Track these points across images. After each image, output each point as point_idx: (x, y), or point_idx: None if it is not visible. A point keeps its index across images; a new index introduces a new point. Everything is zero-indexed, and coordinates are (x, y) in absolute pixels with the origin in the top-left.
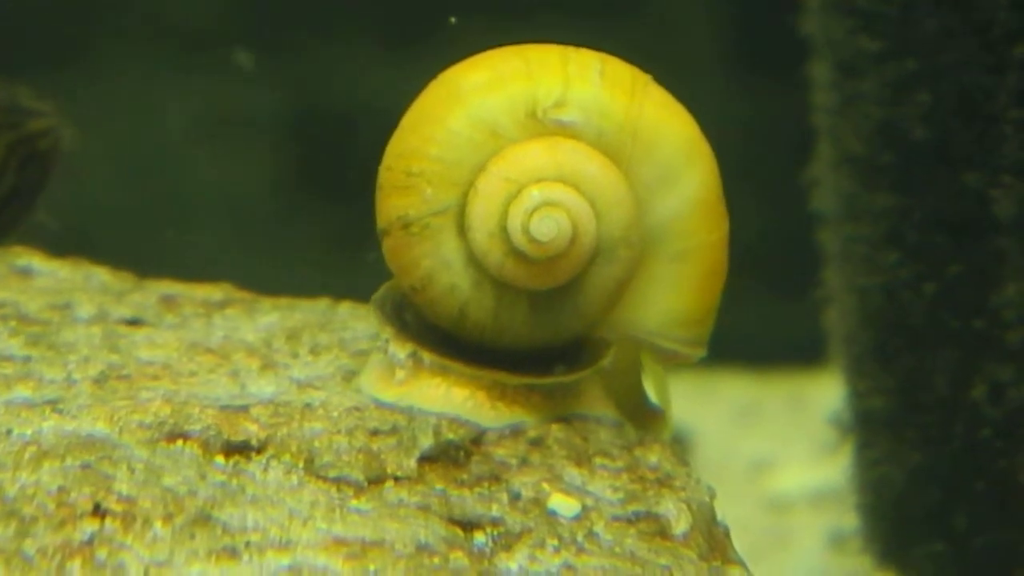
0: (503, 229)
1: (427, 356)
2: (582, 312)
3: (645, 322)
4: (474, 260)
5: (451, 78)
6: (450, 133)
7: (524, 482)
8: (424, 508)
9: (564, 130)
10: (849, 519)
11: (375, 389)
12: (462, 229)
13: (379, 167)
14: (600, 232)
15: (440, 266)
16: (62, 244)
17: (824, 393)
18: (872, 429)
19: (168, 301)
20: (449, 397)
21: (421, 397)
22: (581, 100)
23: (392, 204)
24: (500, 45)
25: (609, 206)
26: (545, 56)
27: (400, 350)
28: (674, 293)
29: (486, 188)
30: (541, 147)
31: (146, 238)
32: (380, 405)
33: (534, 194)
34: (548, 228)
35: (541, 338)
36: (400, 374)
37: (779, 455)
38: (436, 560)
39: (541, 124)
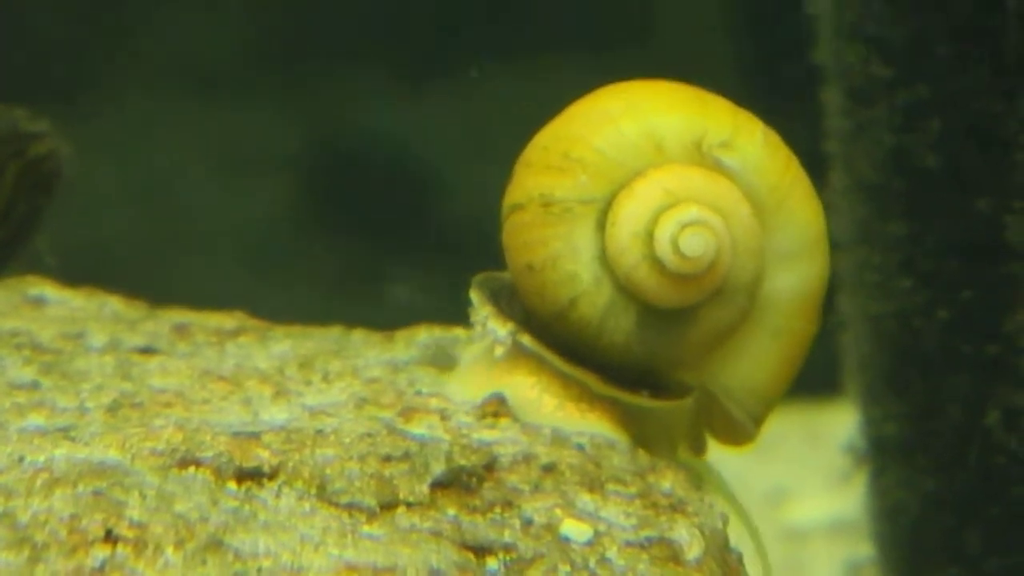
0: (649, 234)
1: (526, 339)
2: (682, 344)
3: (726, 379)
4: (604, 257)
5: (631, 88)
6: (619, 133)
7: (536, 508)
8: (436, 533)
9: (721, 170)
10: (865, 548)
11: (467, 380)
12: (601, 225)
13: (528, 145)
14: (732, 272)
15: (568, 252)
16: (75, 273)
17: (839, 423)
18: (886, 456)
19: (181, 329)
20: (540, 403)
21: (515, 394)
22: (744, 150)
23: (538, 181)
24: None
25: (747, 252)
26: (718, 100)
27: (500, 327)
28: (759, 363)
29: (643, 191)
30: (702, 174)
31: (160, 268)
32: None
33: (693, 210)
34: (697, 244)
35: (634, 354)
36: (499, 351)
37: (795, 485)
38: None
39: (703, 157)
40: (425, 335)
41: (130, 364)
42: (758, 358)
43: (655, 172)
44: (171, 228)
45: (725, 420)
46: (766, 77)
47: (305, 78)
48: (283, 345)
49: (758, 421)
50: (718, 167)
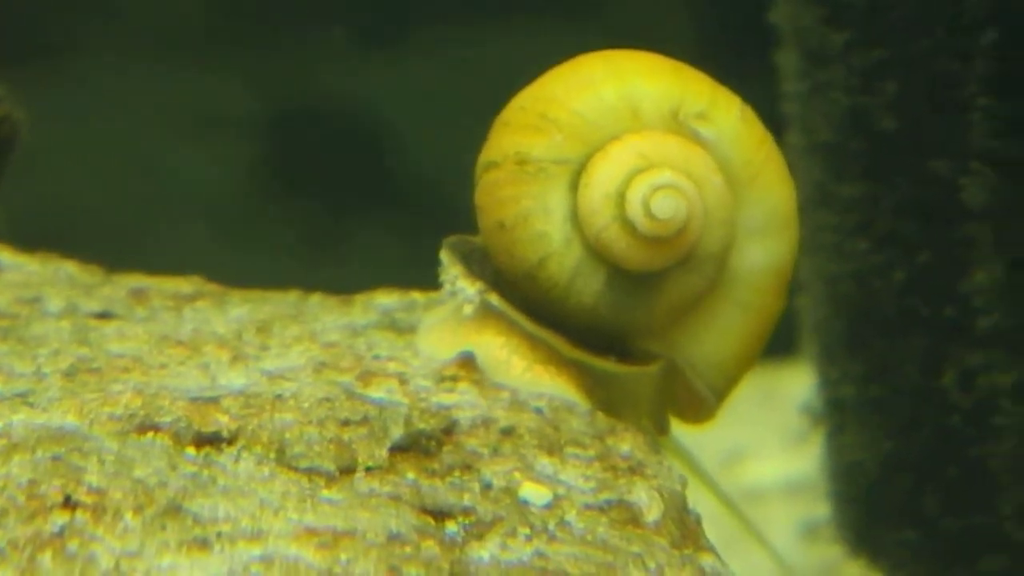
0: (621, 195)
1: (495, 299)
2: (649, 310)
3: (691, 350)
4: (575, 218)
5: (612, 55)
6: (598, 97)
7: (496, 471)
8: (395, 498)
9: (697, 140)
10: (821, 508)
11: (435, 339)
12: (575, 186)
13: (507, 105)
14: (702, 239)
15: (539, 210)
16: (31, 238)
17: (795, 384)
18: (843, 417)
19: (138, 294)
20: (510, 364)
21: (484, 353)
22: (720, 122)
23: (514, 139)
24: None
25: (717, 221)
26: (698, 73)
27: (469, 286)
28: (725, 337)
29: (618, 154)
30: (677, 141)
31: (123, 233)
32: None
33: (667, 174)
34: (668, 207)
35: (601, 317)
36: (468, 309)
37: (751, 446)
38: (408, 549)
39: (679, 126)
40: (383, 299)
41: (87, 329)
42: (724, 331)
43: (631, 136)
44: (130, 192)
45: (688, 394)
46: (723, 38)
47: (267, 40)
48: (241, 310)
49: (720, 395)
50: (694, 137)
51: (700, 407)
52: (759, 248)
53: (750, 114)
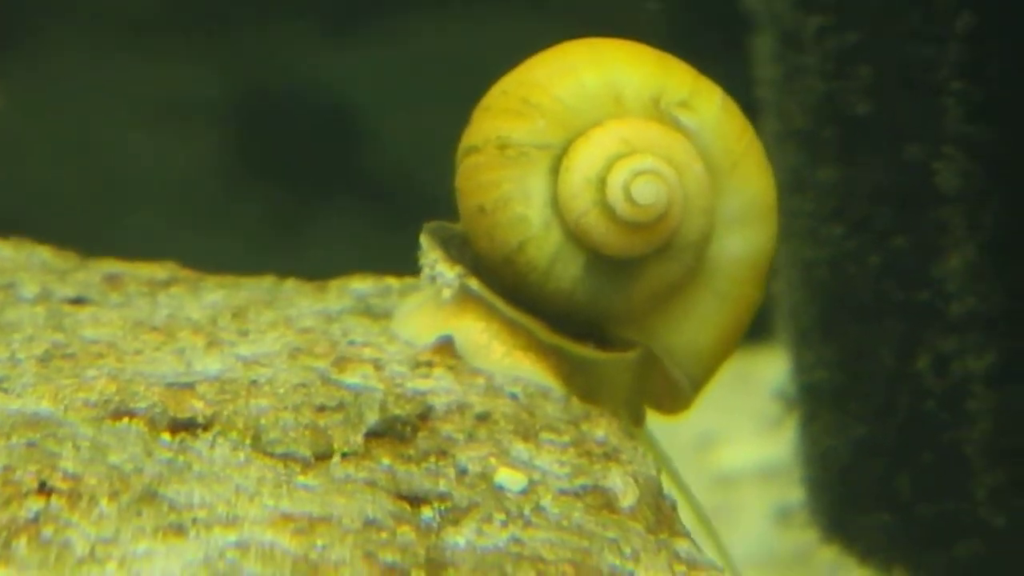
0: (602, 180)
1: (474, 283)
2: (628, 297)
3: (669, 339)
4: (556, 202)
5: (595, 43)
6: (580, 83)
7: (471, 457)
8: (371, 483)
9: (678, 128)
10: (795, 493)
11: (415, 323)
12: (555, 171)
13: (489, 91)
14: (681, 226)
15: (520, 194)
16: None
17: (769, 368)
18: (817, 402)
19: (112, 280)
20: (490, 349)
21: (464, 337)
22: (702, 112)
23: (495, 124)
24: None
25: (698, 209)
26: (680, 63)
27: (449, 270)
28: (703, 326)
29: (599, 139)
30: (659, 128)
31: (90, 219)
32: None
33: (648, 160)
34: (649, 192)
35: (579, 303)
36: (447, 293)
37: (725, 430)
38: (384, 535)
39: (661, 114)
40: (358, 284)
41: (62, 315)
42: (702, 321)
43: (613, 122)
44: (98, 178)
45: (664, 384)
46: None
47: (232, 25)
48: (215, 295)
49: (697, 385)
50: (675, 125)
51: (676, 396)
52: (738, 238)
53: (731, 104)
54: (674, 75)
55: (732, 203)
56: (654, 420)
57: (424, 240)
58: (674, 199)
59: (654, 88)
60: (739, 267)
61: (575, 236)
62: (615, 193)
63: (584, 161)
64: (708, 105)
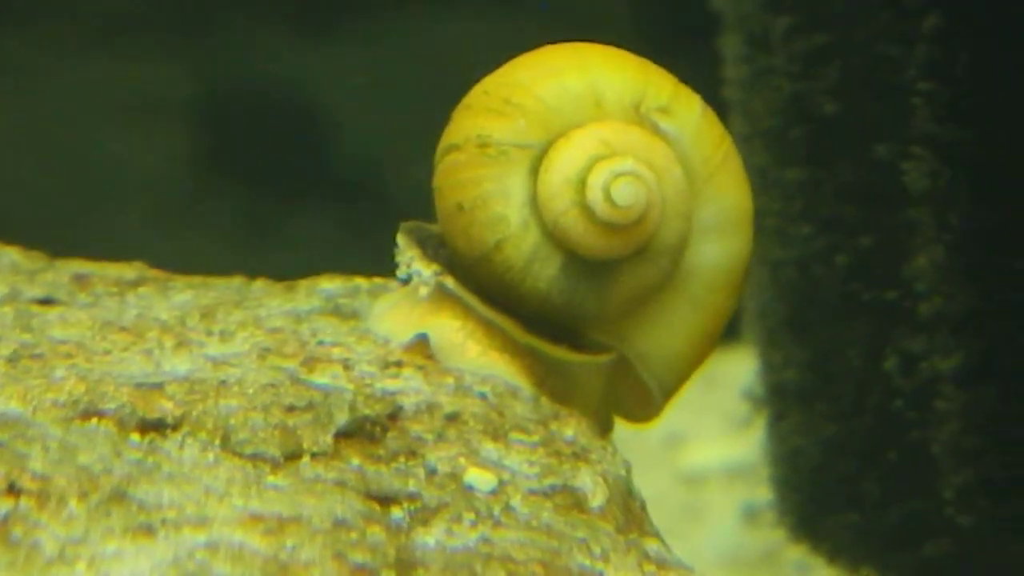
0: (582, 181)
1: (450, 281)
2: (603, 299)
3: (642, 345)
4: (535, 202)
5: (577, 47)
6: (562, 85)
7: (440, 457)
8: (341, 484)
9: (658, 133)
10: (763, 492)
11: (391, 320)
12: (535, 171)
13: (470, 91)
14: (659, 231)
15: (499, 193)
16: None
17: (738, 368)
18: (785, 402)
19: (81, 280)
20: (465, 348)
21: (440, 336)
22: (681, 118)
23: (476, 122)
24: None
25: (676, 213)
26: (661, 71)
27: (425, 268)
28: (676, 333)
29: (580, 140)
30: (639, 132)
31: (58, 218)
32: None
33: (628, 162)
34: (629, 194)
35: (554, 304)
36: (424, 291)
37: (693, 430)
38: (353, 535)
39: (640, 118)
40: (327, 285)
41: (30, 315)
42: (676, 327)
43: (594, 125)
44: (67, 178)
45: (635, 392)
46: (664, 24)
47: (204, 24)
48: (184, 295)
49: (667, 392)
50: (655, 130)
51: (647, 404)
52: (714, 246)
53: (711, 113)
54: (655, 81)
55: (709, 211)
56: (622, 425)
57: (401, 239)
58: (653, 202)
59: (635, 93)
60: (714, 275)
61: (553, 236)
62: (595, 194)
63: (565, 161)
64: (688, 112)
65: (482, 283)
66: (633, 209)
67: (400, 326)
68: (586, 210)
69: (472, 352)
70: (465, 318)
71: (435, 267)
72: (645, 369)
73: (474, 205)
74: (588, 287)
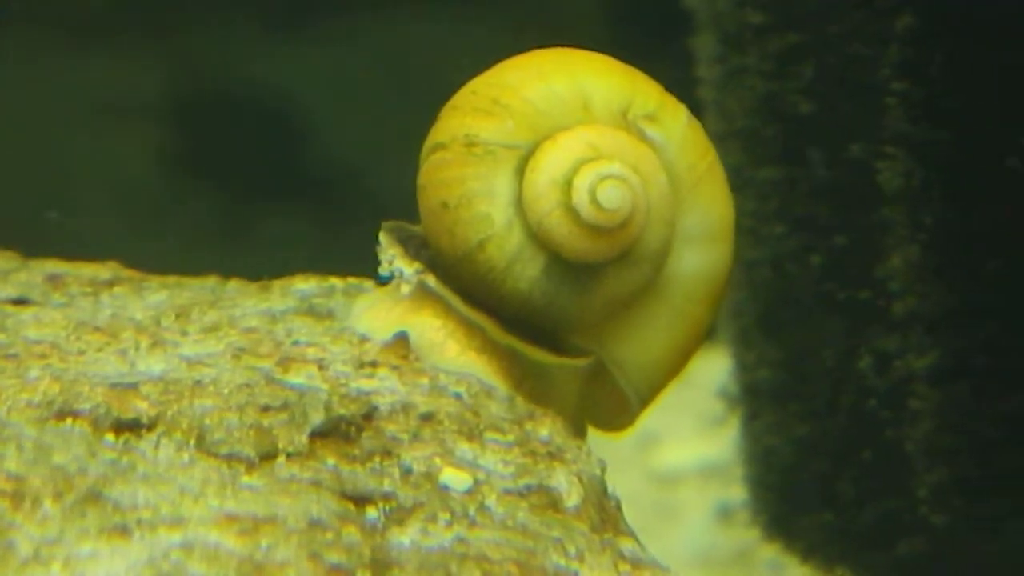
0: (568, 182)
1: (431, 280)
2: (584, 303)
3: (620, 351)
4: (520, 202)
5: (567, 52)
6: (550, 88)
7: (416, 457)
8: (316, 483)
9: (644, 140)
10: (737, 491)
11: (372, 317)
12: (521, 172)
13: (457, 92)
14: (643, 236)
15: (484, 192)
16: None
17: (712, 367)
18: (759, 401)
19: (54, 280)
20: (445, 347)
21: (420, 335)
22: (668, 126)
23: (464, 122)
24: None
25: (660, 219)
26: (649, 79)
27: (407, 266)
28: (655, 341)
29: (567, 143)
30: (626, 137)
31: (31, 220)
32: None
33: (615, 165)
34: (615, 197)
35: (535, 305)
36: (405, 289)
37: (667, 429)
38: (329, 535)
39: (627, 124)
40: (302, 284)
41: (3, 315)
42: (655, 334)
43: (581, 128)
44: (40, 178)
45: (611, 398)
46: (637, 23)
47: (176, 24)
48: (159, 295)
49: (643, 401)
50: (641, 136)
51: (622, 411)
52: (696, 255)
53: (696, 123)
54: (642, 89)
55: (692, 219)
56: (595, 434)
57: (383, 237)
58: (638, 206)
59: (622, 99)
60: (695, 284)
61: (537, 237)
62: (581, 195)
63: (551, 163)
64: (674, 121)
65: (464, 282)
66: (618, 212)
67: (380, 324)
68: (571, 212)
69: (451, 351)
70: (446, 317)
71: (417, 265)
72: (622, 375)
73: (459, 203)
74: (570, 290)
